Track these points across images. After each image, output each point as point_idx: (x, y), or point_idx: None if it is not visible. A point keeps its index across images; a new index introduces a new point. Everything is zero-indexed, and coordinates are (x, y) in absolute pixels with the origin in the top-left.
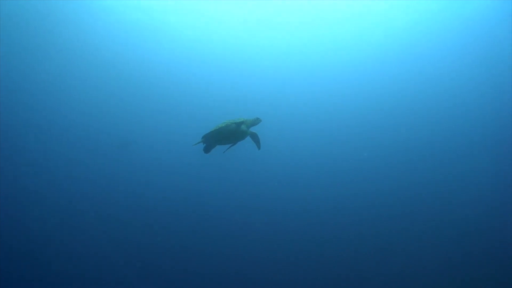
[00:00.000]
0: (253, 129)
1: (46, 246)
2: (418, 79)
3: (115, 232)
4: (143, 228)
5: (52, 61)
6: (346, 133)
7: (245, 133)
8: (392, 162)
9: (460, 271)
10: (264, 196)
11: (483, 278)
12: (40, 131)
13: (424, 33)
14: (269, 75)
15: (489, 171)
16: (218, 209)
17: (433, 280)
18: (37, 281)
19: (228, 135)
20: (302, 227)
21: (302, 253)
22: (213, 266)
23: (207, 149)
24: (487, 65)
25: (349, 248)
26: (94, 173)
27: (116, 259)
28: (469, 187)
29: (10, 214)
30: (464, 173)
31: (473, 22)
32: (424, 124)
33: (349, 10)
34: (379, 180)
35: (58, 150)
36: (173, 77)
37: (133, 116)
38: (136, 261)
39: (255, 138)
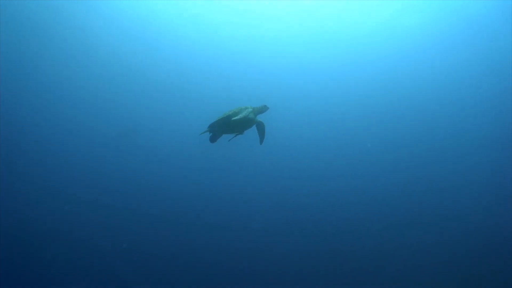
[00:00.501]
0: (259, 117)
1: (48, 239)
2: (418, 78)
3: (116, 224)
4: (145, 223)
5: (52, 51)
6: (345, 130)
7: (252, 121)
8: (393, 160)
9: (460, 271)
10: (267, 190)
11: (483, 277)
12: (38, 125)
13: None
14: (275, 65)
15: (490, 169)
16: (221, 201)
17: (434, 279)
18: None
19: (235, 123)
20: (305, 222)
21: (309, 247)
22: (215, 259)
23: (213, 139)
24: (488, 64)
25: (351, 244)
26: (95, 162)
27: (117, 252)
28: (469, 186)
29: (10, 211)
30: (464, 171)
31: (473, 21)
32: (425, 123)
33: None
34: (380, 179)
35: (58, 141)
36: (177, 66)
37: (136, 105)
38: (139, 256)
39: (260, 128)
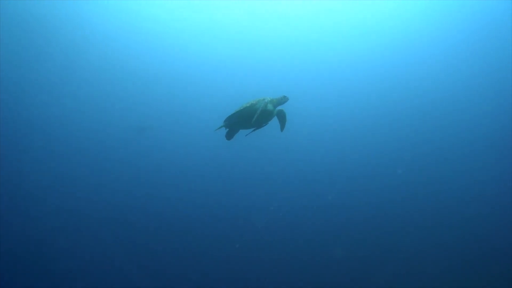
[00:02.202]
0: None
1: (51, 237)
2: (419, 78)
3: (126, 221)
4: (154, 221)
5: (60, 52)
6: (346, 134)
7: (272, 113)
8: (393, 161)
9: (461, 271)
10: (279, 189)
11: (483, 278)
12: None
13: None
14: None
15: (491, 170)
16: (233, 200)
17: (434, 280)
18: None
19: (253, 115)
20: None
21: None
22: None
23: (229, 135)
24: (489, 64)
25: (352, 245)
26: (111, 158)
27: (126, 251)
28: (470, 186)
29: (13, 210)
30: (465, 172)
31: (474, 19)
32: (427, 123)
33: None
34: (380, 180)
35: (71, 139)
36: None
37: (151, 101)
38: (146, 254)
39: (281, 116)
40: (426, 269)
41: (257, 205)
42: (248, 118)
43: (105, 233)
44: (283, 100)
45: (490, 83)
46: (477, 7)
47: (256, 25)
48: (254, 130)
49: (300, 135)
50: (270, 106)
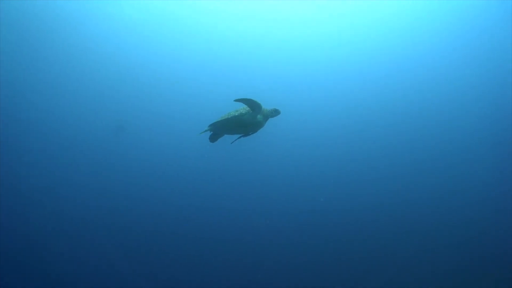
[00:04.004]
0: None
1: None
2: (419, 78)
3: (116, 222)
4: (145, 221)
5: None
6: (346, 135)
7: (261, 124)
8: (394, 163)
9: (461, 272)
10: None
11: (483, 278)
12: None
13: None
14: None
15: (490, 171)
16: (221, 202)
17: (435, 281)
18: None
19: (240, 124)
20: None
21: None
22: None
23: (213, 138)
24: (489, 63)
25: (352, 247)
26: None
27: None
28: (470, 188)
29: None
30: (465, 174)
31: (475, 19)
32: (427, 124)
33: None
34: (381, 181)
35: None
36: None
37: (132, 101)
38: (137, 255)
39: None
40: (425, 270)
41: (249, 206)
42: (234, 127)
43: (98, 234)
44: (274, 113)
45: (490, 83)
46: (477, 6)
47: (245, 24)
48: (240, 137)
49: (289, 136)
50: (260, 117)
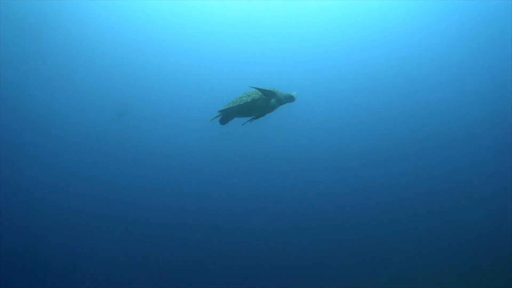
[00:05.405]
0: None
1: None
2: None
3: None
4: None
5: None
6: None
7: (274, 107)
8: (393, 161)
9: (461, 272)
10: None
11: (483, 278)
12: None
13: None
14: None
15: (491, 171)
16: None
17: (434, 281)
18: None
19: (253, 109)
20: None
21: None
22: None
23: (223, 120)
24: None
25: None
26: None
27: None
28: (470, 188)
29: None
30: (465, 173)
31: (474, 20)
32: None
33: None
34: (379, 179)
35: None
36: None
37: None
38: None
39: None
40: (425, 270)
41: (251, 202)
42: (247, 111)
43: (100, 230)
44: (289, 99)
45: (490, 83)
46: (476, 7)
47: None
48: (252, 119)
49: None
50: (273, 101)
